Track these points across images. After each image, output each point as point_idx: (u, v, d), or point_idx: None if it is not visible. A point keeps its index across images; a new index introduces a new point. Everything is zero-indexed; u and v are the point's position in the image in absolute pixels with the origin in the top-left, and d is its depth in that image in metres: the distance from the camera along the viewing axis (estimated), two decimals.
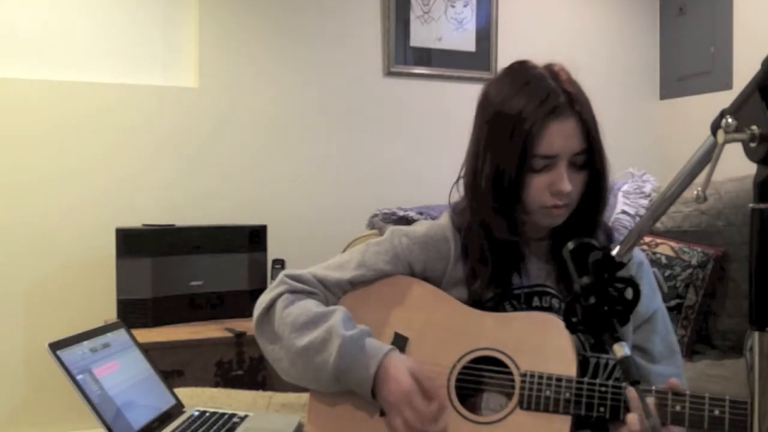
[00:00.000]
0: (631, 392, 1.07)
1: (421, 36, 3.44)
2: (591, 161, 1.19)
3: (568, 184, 1.16)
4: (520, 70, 1.22)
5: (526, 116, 1.15)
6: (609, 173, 1.23)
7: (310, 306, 1.23)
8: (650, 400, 1.06)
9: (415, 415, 1.12)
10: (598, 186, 1.22)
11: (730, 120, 0.74)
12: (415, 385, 1.13)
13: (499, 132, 1.18)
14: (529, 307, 1.23)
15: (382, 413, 1.19)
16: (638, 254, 1.33)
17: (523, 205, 1.19)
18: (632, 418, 1.05)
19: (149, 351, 1.50)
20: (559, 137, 1.15)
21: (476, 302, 1.23)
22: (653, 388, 1.09)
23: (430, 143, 3.42)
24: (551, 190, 1.16)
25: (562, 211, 1.20)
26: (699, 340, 2.18)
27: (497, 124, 1.19)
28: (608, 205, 1.29)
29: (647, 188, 2.30)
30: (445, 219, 1.32)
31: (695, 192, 0.78)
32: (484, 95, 1.25)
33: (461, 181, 1.29)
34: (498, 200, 1.20)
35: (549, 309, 1.24)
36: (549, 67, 1.21)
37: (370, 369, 1.15)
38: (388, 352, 1.17)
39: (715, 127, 0.77)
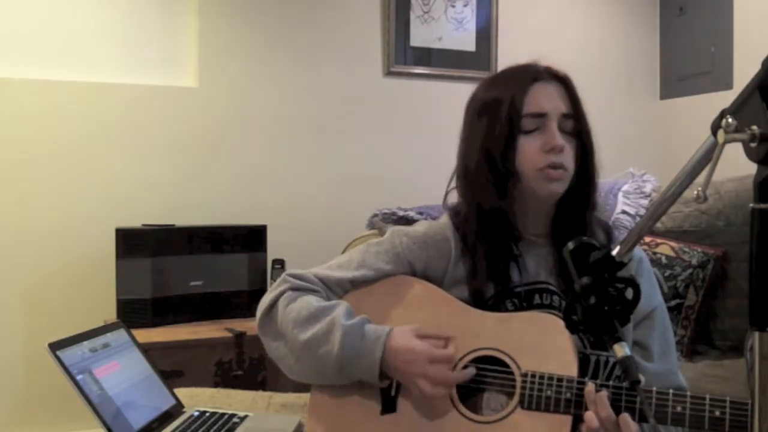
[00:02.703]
0: (588, 388, 1.08)
1: (421, 36, 3.44)
2: (579, 128, 1.23)
3: (560, 139, 1.19)
4: (504, 68, 1.29)
5: (509, 88, 1.21)
6: (596, 149, 1.26)
7: (311, 301, 1.23)
8: (604, 393, 1.07)
9: (439, 368, 1.13)
10: (587, 158, 1.24)
11: (730, 120, 0.73)
12: (428, 346, 1.14)
13: (485, 113, 1.23)
14: (530, 305, 1.23)
15: (384, 411, 1.19)
16: (638, 251, 1.33)
17: (518, 174, 1.21)
18: (590, 415, 1.06)
19: (149, 351, 1.50)
20: (544, 96, 1.21)
21: (477, 301, 1.23)
22: (654, 388, 1.09)
23: (430, 143, 3.42)
24: (545, 149, 1.19)
25: (560, 174, 1.20)
26: (699, 340, 2.18)
27: (482, 108, 1.25)
28: (607, 205, 1.29)
29: (647, 188, 2.30)
30: (445, 219, 1.33)
31: (695, 192, 0.78)
32: (470, 98, 1.30)
33: (452, 192, 1.32)
34: (490, 169, 1.22)
35: (550, 306, 1.24)
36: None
37: (375, 354, 1.15)
38: (389, 332, 1.17)
39: (715, 127, 0.77)
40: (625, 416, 1.05)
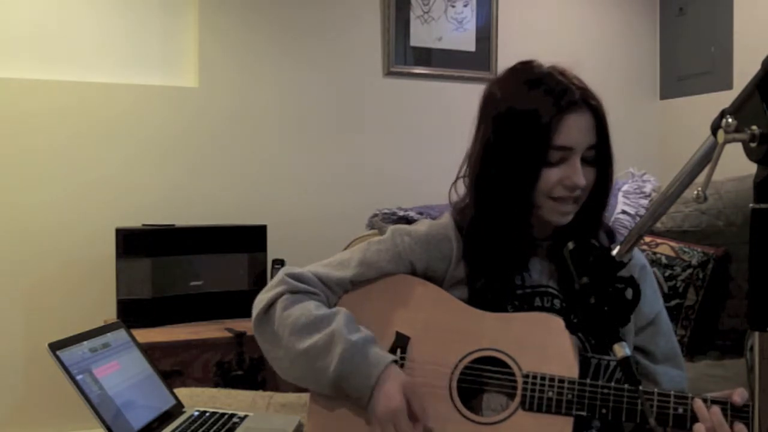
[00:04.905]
0: (697, 403, 1.06)
1: (421, 36, 3.44)
2: (600, 157, 1.20)
3: (582, 178, 1.16)
4: (527, 69, 1.22)
5: (543, 111, 1.14)
6: (614, 172, 1.23)
7: (311, 308, 1.21)
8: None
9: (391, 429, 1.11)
10: (604, 183, 1.22)
11: (730, 120, 0.73)
12: (405, 405, 1.12)
13: (513, 128, 1.18)
14: (531, 308, 1.23)
15: None
16: (640, 258, 1.33)
17: (532, 199, 1.19)
18: (699, 427, 1.04)
19: (149, 351, 1.50)
20: (576, 129, 1.15)
21: (478, 302, 1.22)
22: (655, 389, 1.09)
23: (430, 143, 3.42)
24: (564, 183, 1.16)
25: (571, 208, 1.19)
26: (699, 340, 2.18)
27: (509, 121, 1.18)
28: (608, 204, 1.29)
29: (647, 188, 2.30)
30: (446, 218, 1.32)
31: (695, 192, 0.78)
32: (489, 95, 1.24)
33: (460, 182, 1.29)
34: (510, 195, 1.19)
35: (550, 309, 1.23)
36: (554, 67, 1.21)
37: (371, 378, 1.13)
38: (389, 363, 1.15)
39: (715, 127, 0.77)
40: (741, 427, 1.04)
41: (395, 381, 1.14)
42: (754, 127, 0.71)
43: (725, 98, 0.85)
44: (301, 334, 1.18)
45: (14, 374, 2.81)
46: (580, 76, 1.22)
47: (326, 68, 3.30)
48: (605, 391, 1.10)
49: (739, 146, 0.74)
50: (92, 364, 1.26)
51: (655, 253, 2.17)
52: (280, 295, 1.24)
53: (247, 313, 1.31)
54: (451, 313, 1.22)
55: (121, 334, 1.41)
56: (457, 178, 1.30)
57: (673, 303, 2.12)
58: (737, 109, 0.75)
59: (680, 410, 1.06)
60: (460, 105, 3.18)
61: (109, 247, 2.74)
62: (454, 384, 1.17)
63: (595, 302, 1.00)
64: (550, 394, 1.11)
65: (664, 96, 3.90)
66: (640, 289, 1.02)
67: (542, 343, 1.15)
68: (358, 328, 1.20)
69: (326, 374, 1.15)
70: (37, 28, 2.87)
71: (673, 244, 2.18)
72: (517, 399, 1.13)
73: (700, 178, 0.83)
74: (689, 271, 2.12)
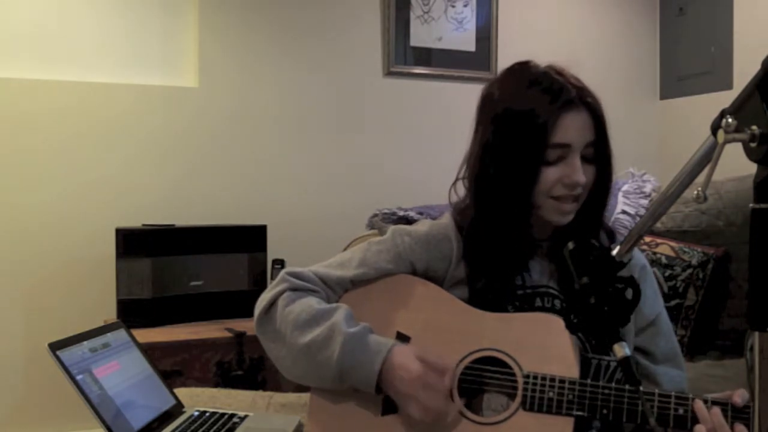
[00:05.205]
0: (698, 404, 1.06)
1: (421, 36, 3.44)
2: (600, 154, 1.20)
3: (582, 175, 1.16)
4: (524, 70, 1.22)
5: (539, 110, 1.15)
6: (614, 170, 1.23)
7: (312, 303, 1.21)
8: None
9: (430, 395, 1.11)
10: (604, 181, 1.22)
11: (730, 120, 0.73)
12: (425, 368, 1.12)
13: (510, 128, 1.18)
14: (531, 308, 1.23)
15: (384, 412, 1.19)
16: (641, 258, 1.33)
17: (532, 199, 1.19)
18: (699, 428, 1.04)
19: (149, 351, 1.49)
20: (573, 127, 1.16)
21: (478, 302, 1.22)
22: (656, 390, 1.09)
23: (430, 143, 3.42)
24: (564, 181, 1.16)
25: (571, 207, 1.19)
26: (699, 340, 2.18)
27: (507, 121, 1.19)
28: (608, 204, 1.29)
29: (647, 188, 2.30)
30: (447, 218, 1.32)
31: (695, 192, 0.78)
32: (487, 96, 1.24)
33: (460, 182, 1.30)
34: (510, 196, 1.19)
35: (551, 310, 1.24)
36: (552, 67, 1.21)
37: (374, 365, 1.13)
38: (392, 346, 1.15)
39: (715, 127, 0.77)
40: (742, 428, 1.04)
41: (406, 353, 1.14)
42: (754, 127, 0.71)
43: (725, 98, 0.85)
44: (303, 329, 1.19)
45: (14, 374, 2.81)
46: (580, 76, 1.22)
47: (326, 68, 3.30)
48: (606, 391, 1.10)
49: (739, 146, 0.74)
50: (92, 364, 1.26)
51: (655, 253, 2.17)
52: (282, 293, 1.24)
53: (247, 313, 1.31)
54: (452, 314, 1.22)
55: (121, 334, 1.41)
56: (457, 179, 1.30)
57: (673, 303, 2.12)
58: (737, 109, 0.75)
59: (681, 411, 1.06)
60: (460, 105, 3.18)
61: (109, 247, 2.74)
62: (455, 384, 1.17)
63: (595, 302, 1.00)
64: (551, 394, 1.11)
65: (664, 96, 3.90)
66: (640, 289, 1.02)
67: (543, 344, 1.15)
68: (357, 323, 1.20)
69: (329, 365, 1.16)
70: (37, 28, 2.87)
71: (673, 244, 2.18)
72: (518, 399, 1.13)
73: (700, 178, 0.83)
74: (689, 271, 2.12)
